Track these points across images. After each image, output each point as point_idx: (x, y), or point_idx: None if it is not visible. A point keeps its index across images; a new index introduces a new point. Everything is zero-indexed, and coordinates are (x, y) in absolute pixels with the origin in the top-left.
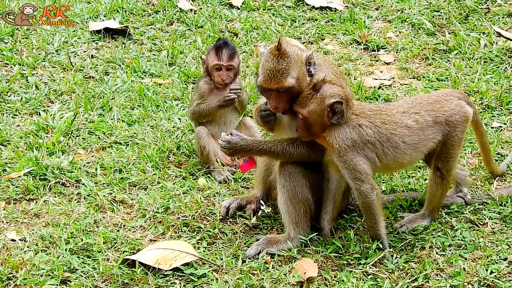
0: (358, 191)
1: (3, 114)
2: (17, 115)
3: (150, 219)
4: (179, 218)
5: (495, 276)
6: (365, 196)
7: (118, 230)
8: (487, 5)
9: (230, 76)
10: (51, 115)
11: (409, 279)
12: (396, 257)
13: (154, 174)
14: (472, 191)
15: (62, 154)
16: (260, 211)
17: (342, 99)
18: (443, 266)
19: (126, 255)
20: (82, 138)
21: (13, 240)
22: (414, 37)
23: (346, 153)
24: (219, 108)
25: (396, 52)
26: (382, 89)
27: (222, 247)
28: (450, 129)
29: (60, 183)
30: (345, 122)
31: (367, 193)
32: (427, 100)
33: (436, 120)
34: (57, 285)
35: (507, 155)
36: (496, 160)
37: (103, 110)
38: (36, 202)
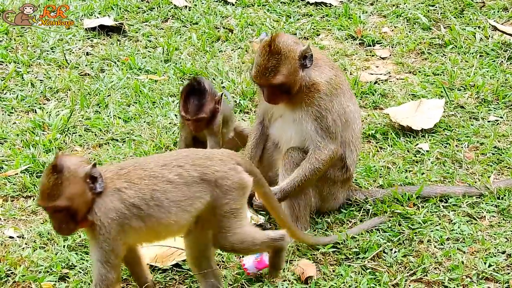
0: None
1: None
2: (13, 112)
3: None
4: None
5: (493, 269)
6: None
7: None
8: None
9: (200, 127)
10: (47, 112)
11: (408, 273)
12: (395, 251)
13: None
14: (469, 184)
15: (59, 151)
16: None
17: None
18: (442, 259)
19: None
20: (79, 135)
21: (11, 237)
22: (409, 32)
23: (109, 230)
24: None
25: (392, 47)
26: (378, 84)
27: None
28: (221, 193)
29: None
30: (102, 193)
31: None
32: (197, 154)
33: (203, 177)
34: (55, 281)
35: (504, 149)
36: (493, 154)
37: (99, 107)
38: (33, 199)
